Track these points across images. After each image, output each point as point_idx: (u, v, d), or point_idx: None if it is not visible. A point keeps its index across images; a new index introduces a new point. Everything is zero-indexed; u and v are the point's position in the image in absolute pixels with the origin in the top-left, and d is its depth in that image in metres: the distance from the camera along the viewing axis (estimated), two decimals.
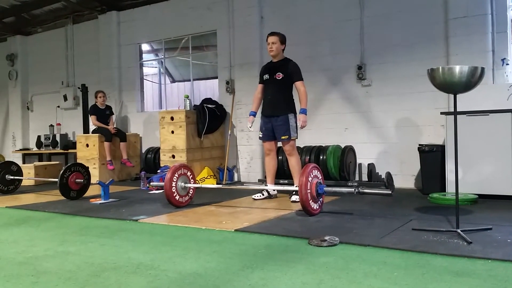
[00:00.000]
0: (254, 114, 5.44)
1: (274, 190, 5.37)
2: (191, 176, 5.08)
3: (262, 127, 5.31)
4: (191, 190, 5.06)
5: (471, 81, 3.19)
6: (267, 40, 5.23)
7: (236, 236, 3.48)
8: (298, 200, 4.81)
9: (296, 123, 5.18)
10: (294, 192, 5.07)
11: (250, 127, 5.40)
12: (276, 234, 3.46)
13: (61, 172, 5.66)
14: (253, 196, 5.38)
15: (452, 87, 3.26)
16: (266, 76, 5.28)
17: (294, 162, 5.19)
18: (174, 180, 4.83)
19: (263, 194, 5.38)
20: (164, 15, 8.51)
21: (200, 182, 6.76)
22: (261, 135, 5.34)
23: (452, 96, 3.40)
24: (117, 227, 3.98)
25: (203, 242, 3.31)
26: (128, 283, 2.40)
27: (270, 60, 5.36)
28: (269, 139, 5.28)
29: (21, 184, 6.95)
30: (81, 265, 2.77)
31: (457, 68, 3.18)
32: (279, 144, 5.38)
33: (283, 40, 5.21)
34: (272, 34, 5.23)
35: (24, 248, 3.26)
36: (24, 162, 10.04)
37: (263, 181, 6.72)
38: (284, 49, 5.25)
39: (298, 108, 5.16)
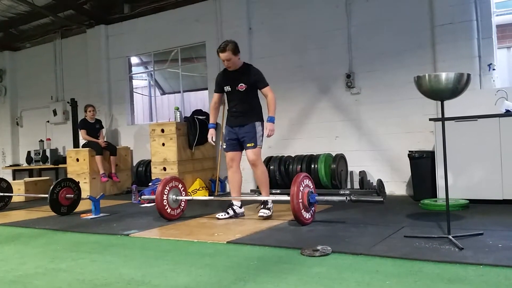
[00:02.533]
0: (214, 126, 4.98)
1: (241, 208, 4.82)
2: (183, 188, 5.05)
3: (226, 137, 4.90)
4: (183, 202, 5.03)
5: (458, 88, 3.21)
6: (219, 56, 4.68)
7: (228, 248, 3.46)
8: (265, 214, 4.59)
9: (262, 131, 4.76)
10: (262, 206, 4.68)
11: (213, 141, 4.95)
12: (269, 245, 3.44)
13: (51, 187, 5.61)
14: (217, 215, 4.77)
15: (439, 94, 3.28)
16: (227, 88, 4.81)
17: (259, 173, 4.74)
18: (165, 193, 4.80)
19: (227, 213, 4.73)
20: (153, 28, 8.53)
21: (192, 194, 6.74)
22: (224, 146, 4.91)
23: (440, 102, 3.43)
24: (108, 242, 3.95)
25: (195, 255, 3.29)
26: None
27: (225, 68, 4.84)
28: (233, 149, 4.83)
29: (12, 201, 6.87)
30: (72, 282, 2.73)
31: (443, 75, 3.19)
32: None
33: (235, 50, 4.62)
34: (221, 51, 4.60)
35: (14, 266, 3.22)
36: (14, 178, 9.94)
37: (255, 191, 6.70)
38: (239, 57, 4.72)
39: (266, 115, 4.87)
